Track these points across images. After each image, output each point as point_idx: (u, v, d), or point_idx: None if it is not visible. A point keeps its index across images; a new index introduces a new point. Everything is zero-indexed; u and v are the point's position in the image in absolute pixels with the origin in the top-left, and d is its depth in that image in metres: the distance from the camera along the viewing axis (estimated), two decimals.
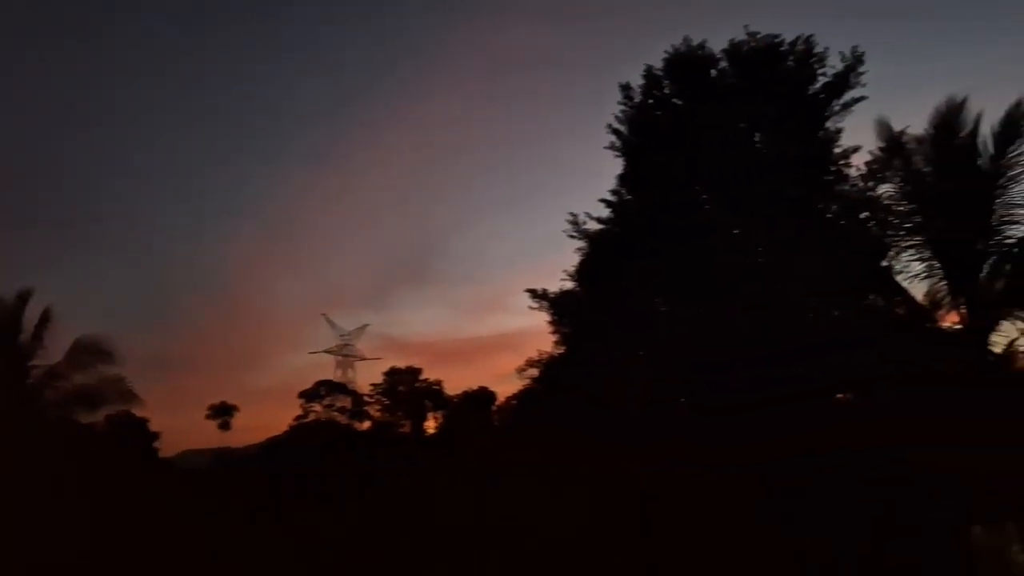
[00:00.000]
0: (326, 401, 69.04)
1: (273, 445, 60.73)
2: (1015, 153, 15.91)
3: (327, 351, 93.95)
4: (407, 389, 69.29)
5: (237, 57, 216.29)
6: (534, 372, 24.48)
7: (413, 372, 70.60)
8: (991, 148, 16.17)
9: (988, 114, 16.34)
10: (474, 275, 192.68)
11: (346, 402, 69.75)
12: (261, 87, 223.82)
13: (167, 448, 56.75)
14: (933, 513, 15.04)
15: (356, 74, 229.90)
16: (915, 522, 14.72)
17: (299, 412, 67.75)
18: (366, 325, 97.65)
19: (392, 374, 70.81)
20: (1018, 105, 15.77)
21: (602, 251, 20.01)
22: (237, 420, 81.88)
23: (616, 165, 19.94)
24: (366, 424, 68.14)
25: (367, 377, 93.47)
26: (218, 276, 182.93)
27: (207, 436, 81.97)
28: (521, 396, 26.32)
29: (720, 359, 17.03)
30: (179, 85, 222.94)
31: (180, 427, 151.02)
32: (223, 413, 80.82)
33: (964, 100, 16.51)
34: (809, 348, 16.53)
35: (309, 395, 68.81)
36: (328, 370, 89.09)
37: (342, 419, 67.40)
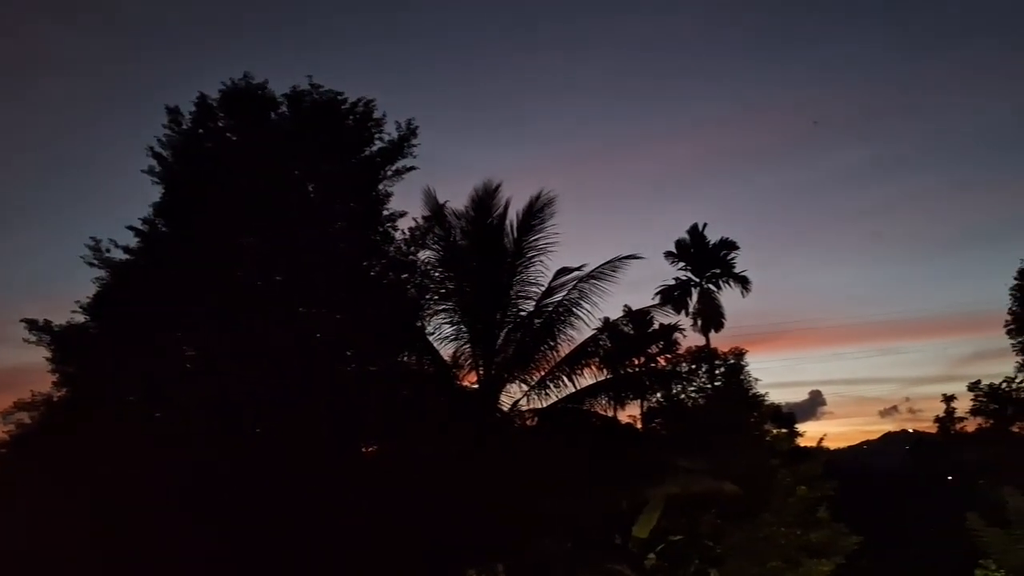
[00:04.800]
0: None
1: None
2: (533, 238, 18.39)
3: None
4: None
5: None
6: (24, 417, 20.58)
7: None
8: (515, 231, 18.48)
9: (515, 202, 18.70)
10: None
11: None
12: None
13: None
14: (434, 559, 15.95)
15: None
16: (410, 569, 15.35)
17: None
18: None
19: None
20: (538, 198, 18.32)
21: (126, 284, 17.69)
22: None
23: (153, 191, 18.01)
24: None
25: None
26: None
27: None
28: (11, 444, 21.79)
29: (245, 409, 16.14)
30: None
31: None
32: None
33: (498, 186, 18.78)
34: (343, 400, 16.55)
35: None
36: None
37: None
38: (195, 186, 17.54)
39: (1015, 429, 40.64)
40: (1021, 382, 39.43)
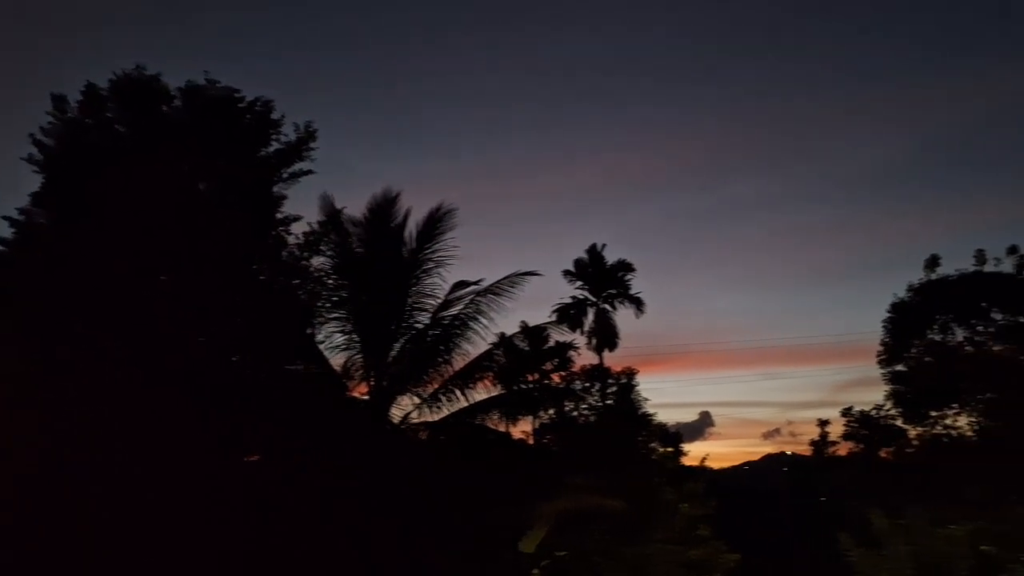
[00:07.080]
0: None
1: None
2: (431, 250, 18.20)
3: None
4: None
5: None
6: None
7: None
8: (414, 242, 18.28)
9: (415, 213, 18.52)
10: None
11: None
12: None
13: None
14: (315, 571, 15.59)
15: None
16: None
17: None
18: None
19: None
20: (438, 209, 18.17)
21: None
22: None
23: (32, 181, 17.08)
24: None
25: None
26: None
27: None
28: None
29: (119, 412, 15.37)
30: None
31: None
32: None
33: (397, 195, 18.50)
34: (225, 408, 15.97)
35: None
36: None
37: None
38: (78, 177, 16.70)
39: (882, 454, 42.97)
40: (888, 410, 41.71)
